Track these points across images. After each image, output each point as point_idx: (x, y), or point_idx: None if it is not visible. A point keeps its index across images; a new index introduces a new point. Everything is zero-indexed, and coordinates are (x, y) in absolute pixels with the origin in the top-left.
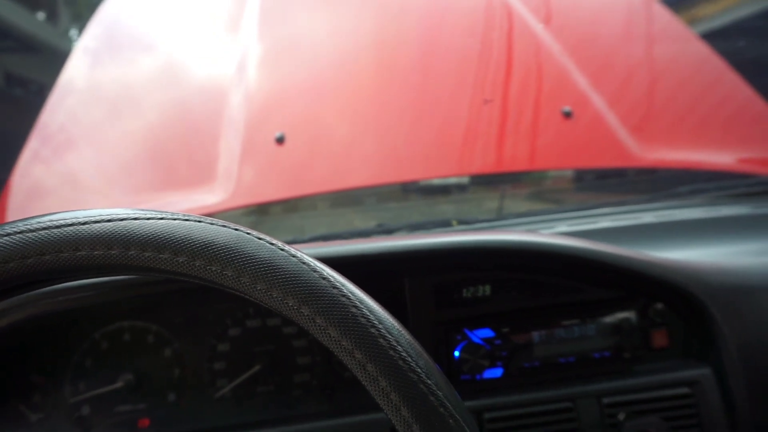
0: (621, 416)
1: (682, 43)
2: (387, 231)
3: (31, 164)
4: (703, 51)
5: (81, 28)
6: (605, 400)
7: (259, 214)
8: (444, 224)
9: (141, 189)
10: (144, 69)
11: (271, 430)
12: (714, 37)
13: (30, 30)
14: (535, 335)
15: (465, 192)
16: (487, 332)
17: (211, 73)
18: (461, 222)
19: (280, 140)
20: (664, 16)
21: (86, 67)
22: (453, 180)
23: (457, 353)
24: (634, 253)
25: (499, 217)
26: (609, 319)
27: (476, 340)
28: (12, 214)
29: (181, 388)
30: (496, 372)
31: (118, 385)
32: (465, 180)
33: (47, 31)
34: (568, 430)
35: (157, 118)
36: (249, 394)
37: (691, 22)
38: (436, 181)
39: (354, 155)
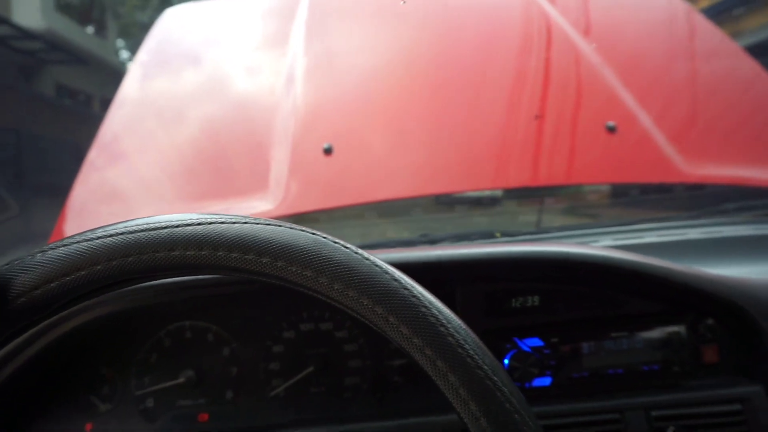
0: (670, 430)
1: (727, 58)
2: (431, 241)
3: (92, 173)
4: (750, 65)
5: (128, 42)
6: (654, 413)
7: (304, 222)
8: (487, 235)
9: (196, 197)
10: (197, 82)
11: (323, 429)
12: (759, 51)
13: (80, 43)
14: (584, 346)
15: (498, 204)
16: (536, 341)
17: (261, 85)
18: (504, 234)
19: (328, 151)
20: (709, 30)
21: (143, 81)
22: (487, 192)
23: (506, 361)
24: (684, 267)
25: (541, 230)
26: (658, 332)
27: (525, 348)
28: (72, 220)
29: (238, 386)
30: (545, 381)
31: (180, 380)
32: (498, 193)
33: (96, 44)
34: None
35: (211, 130)
36: (302, 394)
37: (735, 35)
38: (471, 194)
39: (399, 166)
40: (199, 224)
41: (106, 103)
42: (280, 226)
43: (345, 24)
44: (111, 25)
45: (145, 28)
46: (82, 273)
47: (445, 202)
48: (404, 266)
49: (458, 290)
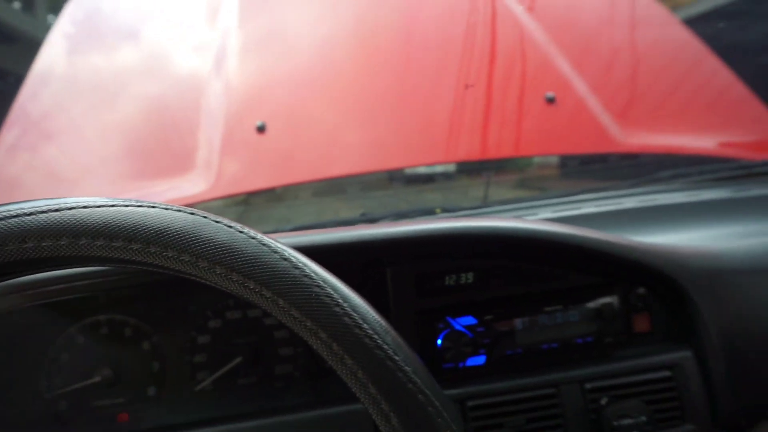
0: (603, 401)
1: (663, 28)
2: (370, 220)
3: (4, 155)
4: (685, 36)
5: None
6: (588, 386)
7: (244, 204)
8: (427, 212)
9: (118, 179)
10: (121, 56)
11: (254, 423)
12: (695, 23)
13: (6, 20)
14: (518, 322)
15: (451, 180)
16: (469, 320)
17: (191, 61)
18: (445, 210)
19: (261, 129)
20: (645, 1)
21: (62, 53)
22: (439, 168)
23: (439, 341)
24: (614, 237)
25: (484, 205)
26: (591, 304)
27: (459, 327)
28: None
29: (161, 381)
30: (479, 360)
31: (96, 379)
32: (451, 168)
33: (24, 21)
34: (551, 416)
35: (135, 107)
36: (230, 386)
37: (673, 8)
38: (422, 170)
39: (338, 143)
40: (56, 210)
41: None
42: (153, 207)
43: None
44: (39, 0)
45: None
46: None
47: (397, 179)
48: (330, 247)
49: (389, 270)
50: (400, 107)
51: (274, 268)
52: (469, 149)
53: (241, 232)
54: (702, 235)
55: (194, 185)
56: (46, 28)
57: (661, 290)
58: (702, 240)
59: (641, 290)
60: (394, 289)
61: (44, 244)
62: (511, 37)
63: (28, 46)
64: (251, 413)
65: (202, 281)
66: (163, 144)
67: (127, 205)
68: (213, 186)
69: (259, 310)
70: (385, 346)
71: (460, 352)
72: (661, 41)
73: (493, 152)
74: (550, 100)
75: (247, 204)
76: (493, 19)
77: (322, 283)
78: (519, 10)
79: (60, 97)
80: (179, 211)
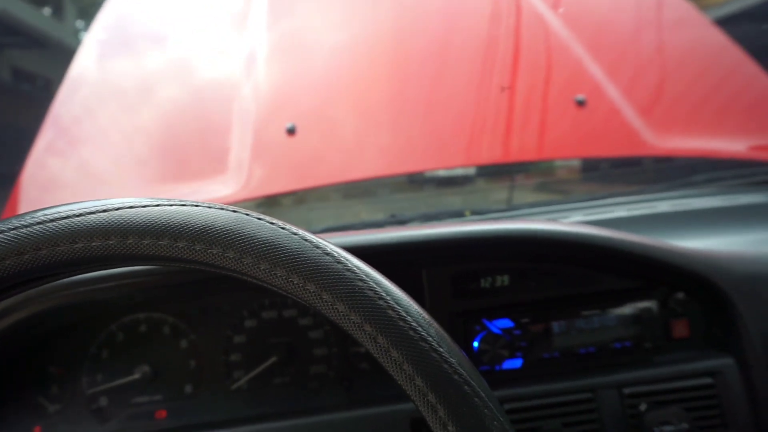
0: (642, 407)
1: (696, 30)
2: (400, 222)
3: (43, 157)
4: (718, 37)
5: (87, 24)
6: (626, 391)
7: (270, 206)
8: (456, 215)
9: (153, 181)
10: (154, 61)
11: (289, 422)
12: (729, 23)
13: (36, 25)
14: (555, 325)
15: (471, 183)
16: (506, 322)
17: (221, 64)
18: (474, 212)
19: (291, 131)
20: (678, 2)
21: (96, 59)
22: (459, 171)
23: (476, 344)
24: (655, 241)
25: (511, 208)
26: (629, 309)
27: (495, 330)
28: (24, 207)
29: (198, 379)
30: (516, 363)
31: (135, 376)
32: (471, 171)
33: (53, 26)
34: (588, 421)
35: (168, 110)
36: (265, 385)
37: (704, 8)
38: (443, 173)
39: (365, 146)
40: (104, 211)
41: None
42: (197, 206)
43: (307, 1)
44: (69, 6)
45: None
46: None
47: (417, 182)
48: (367, 249)
49: (425, 272)
50: (429, 110)
51: (317, 262)
52: (498, 152)
53: (283, 228)
54: (738, 240)
55: (224, 187)
56: (74, 34)
57: (700, 295)
58: (738, 245)
59: (680, 295)
60: (430, 290)
61: (94, 244)
62: (541, 40)
63: (57, 51)
64: (285, 413)
65: (245, 278)
66: (195, 147)
67: (171, 205)
68: (243, 188)
69: (294, 310)
70: (429, 338)
71: (497, 355)
72: (695, 43)
73: (523, 155)
74: (581, 103)
75: (273, 206)
76: (523, 22)
77: (364, 277)
78: (548, 12)
79: (94, 102)
80: (222, 209)
